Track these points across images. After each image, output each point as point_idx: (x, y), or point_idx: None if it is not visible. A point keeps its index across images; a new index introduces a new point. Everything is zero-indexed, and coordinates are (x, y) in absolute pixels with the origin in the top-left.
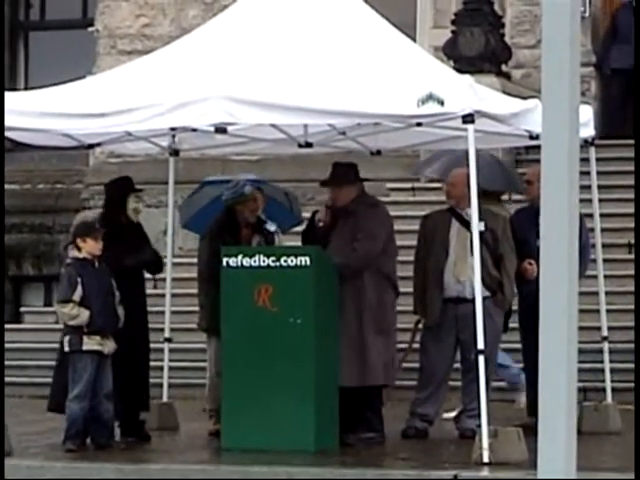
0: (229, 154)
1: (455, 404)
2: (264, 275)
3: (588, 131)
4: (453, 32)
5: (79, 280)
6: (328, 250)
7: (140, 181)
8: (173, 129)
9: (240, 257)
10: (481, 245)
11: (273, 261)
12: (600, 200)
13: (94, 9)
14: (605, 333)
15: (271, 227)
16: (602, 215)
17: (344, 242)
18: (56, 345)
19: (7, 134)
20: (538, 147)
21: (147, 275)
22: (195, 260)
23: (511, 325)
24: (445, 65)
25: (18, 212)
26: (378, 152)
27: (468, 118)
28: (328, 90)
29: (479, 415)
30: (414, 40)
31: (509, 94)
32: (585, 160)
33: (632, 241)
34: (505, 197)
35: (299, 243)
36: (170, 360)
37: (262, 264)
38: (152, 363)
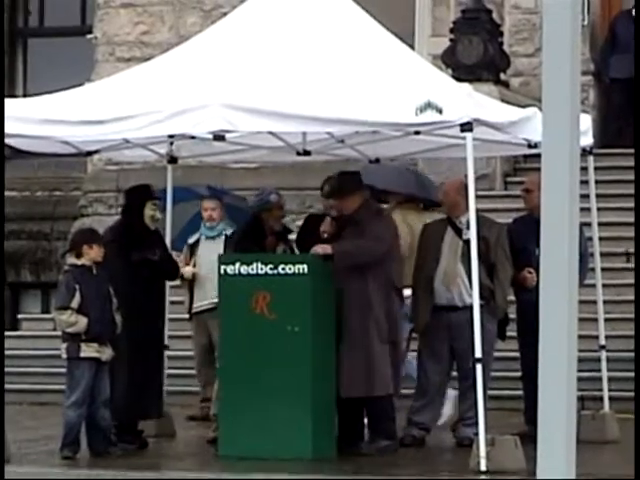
0: (227, 162)
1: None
2: (262, 282)
3: (587, 140)
4: (452, 40)
5: (77, 287)
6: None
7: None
8: (171, 136)
9: (238, 265)
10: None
11: (271, 269)
12: (598, 209)
13: (93, 16)
14: (603, 342)
15: None
16: (600, 224)
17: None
18: (54, 352)
19: (6, 141)
20: (536, 156)
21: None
22: None
23: (509, 334)
24: (443, 73)
25: (16, 219)
26: (377, 160)
27: (466, 126)
28: (326, 98)
29: (476, 423)
30: (413, 48)
31: (507, 102)
32: (584, 169)
33: (630, 250)
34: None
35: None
36: (167, 367)
37: (260, 272)
38: None
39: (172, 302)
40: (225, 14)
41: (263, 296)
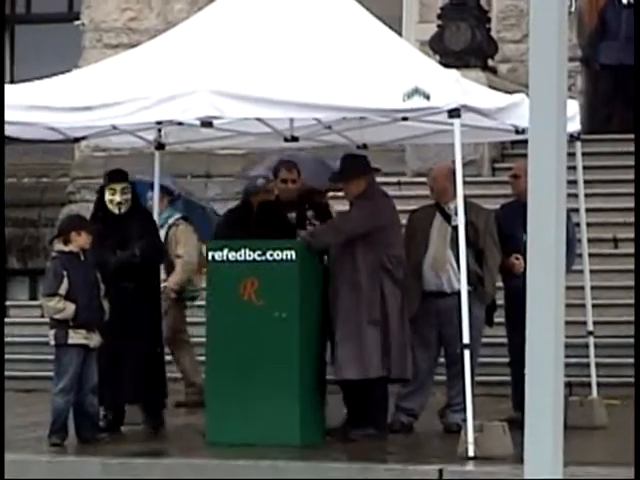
0: (215, 148)
1: (440, 398)
2: (250, 269)
3: (574, 126)
4: (439, 26)
5: (65, 274)
6: None
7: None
8: (159, 123)
9: (226, 251)
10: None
11: (259, 255)
12: (586, 195)
13: (80, 3)
14: (591, 328)
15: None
16: (588, 210)
17: None
18: (42, 339)
19: None
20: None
21: None
22: None
23: (497, 320)
24: (431, 59)
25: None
26: (364, 146)
27: (454, 112)
28: (314, 84)
29: (464, 409)
30: (400, 34)
31: (495, 88)
32: (571, 155)
33: (618, 235)
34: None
35: None
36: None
37: (248, 258)
38: None
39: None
40: (212, 0)
41: (251, 282)
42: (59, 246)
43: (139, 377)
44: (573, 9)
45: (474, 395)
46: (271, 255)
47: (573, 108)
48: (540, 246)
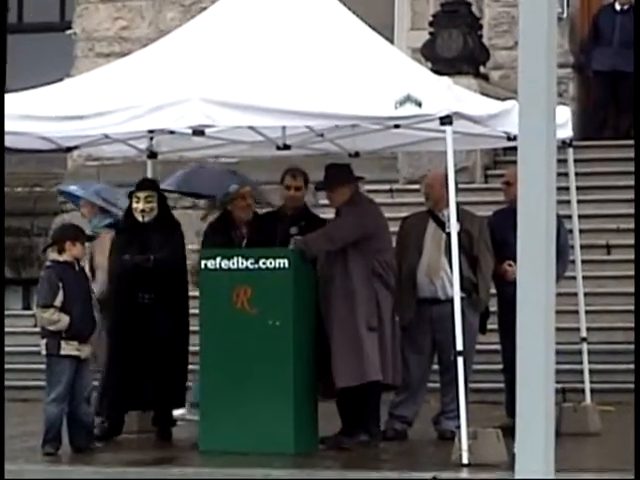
0: (207, 156)
1: (434, 405)
2: (243, 277)
3: (566, 132)
4: (431, 34)
5: (60, 285)
6: None
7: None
8: (151, 131)
9: (219, 259)
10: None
11: (252, 263)
12: (579, 201)
13: (72, 12)
14: (584, 334)
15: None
16: (580, 216)
17: None
18: (35, 348)
19: None
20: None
21: None
22: None
23: (490, 327)
24: (423, 67)
25: None
26: (356, 154)
27: (446, 119)
28: (306, 92)
29: (458, 416)
30: (392, 42)
31: (487, 95)
32: (563, 161)
33: (610, 242)
34: None
35: None
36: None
37: (241, 266)
38: None
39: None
40: (204, 9)
41: (244, 290)
42: (53, 255)
43: (153, 384)
44: (565, 15)
45: (468, 402)
46: (264, 263)
47: (565, 115)
48: (530, 252)
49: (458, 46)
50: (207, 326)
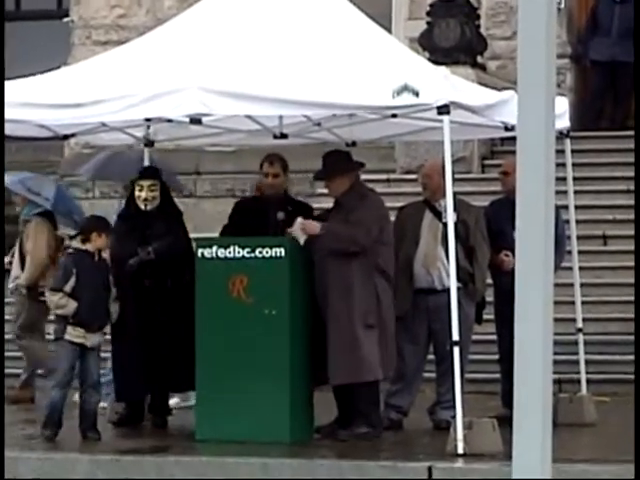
0: (204, 145)
1: (429, 395)
2: (239, 266)
3: (563, 123)
4: (428, 23)
5: (74, 271)
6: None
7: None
8: (148, 120)
9: (215, 248)
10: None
11: (248, 252)
12: (575, 192)
13: (69, 0)
14: (580, 325)
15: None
16: (577, 207)
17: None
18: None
19: None
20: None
21: None
22: None
23: (486, 317)
24: (420, 56)
25: None
26: (353, 143)
27: (443, 109)
28: (303, 81)
29: (454, 406)
30: (389, 31)
31: (484, 85)
32: (560, 152)
33: (607, 233)
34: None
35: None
36: None
37: (237, 255)
38: None
39: None
40: None
41: (240, 279)
42: (77, 243)
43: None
44: (563, 6)
45: (464, 392)
46: (260, 252)
47: (562, 105)
48: (529, 243)
49: (456, 36)
50: (203, 315)
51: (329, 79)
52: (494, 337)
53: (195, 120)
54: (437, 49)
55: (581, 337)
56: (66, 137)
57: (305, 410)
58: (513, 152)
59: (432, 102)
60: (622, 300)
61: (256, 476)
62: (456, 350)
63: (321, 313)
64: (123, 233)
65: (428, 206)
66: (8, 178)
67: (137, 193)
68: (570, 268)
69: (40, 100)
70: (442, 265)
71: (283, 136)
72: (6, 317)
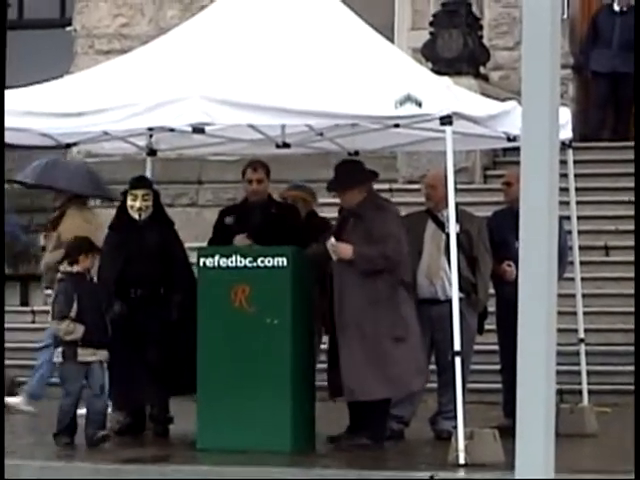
0: (207, 154)
1: (431, 405)
2: (241, 275)
3: (566, 133)
4: (431, 34)
5: (75, 296)
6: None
7: (117, 181)
8: (150, 129)
9: (217, 257)
10: (456, 247)
11: (250, 261)
12: (578, 202)
13: (72, 9)
14: (582, 335)
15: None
16: (579, 217)
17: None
18: (33, 345)
19: None
20: (516, 149)
21: None
22: None
23: (488, 327)
24: (423, 66)
25: None
26: (356, 153)
27: (446, 119)
28: (306, 91)
29: (455, 416)
30: (392, 41)
31: (487, 96)
32: (563, 162)
33: (609, 243)
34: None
35: None
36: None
37: (239, 264)
38: None
39: None
40: (204, 7)
41: (242, 289)
42: (65, 267)
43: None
44: (565, 17)
45: (465, 402)
46: (262, 261)
47: (565, 116)
48: (532, 253)
49: (458, 46)
50: (205, 324)
51: (332, 89)
52: (495, 347)
53: (198, 129)
54: (440, 59)
55: (583, 348)
56: (69, 146)
57: (306, 419)
58: (515, 163)
59: (435, 112)
60: (624, 311)
61: None
62: (457, 360)
63: (336, 327)
64: (117, 245)
65: (430, 216)
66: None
67: (130, 203)
68: (572, 279)
69: (43, 109)
70: (445, 275)
71: (286, 145)
72: None
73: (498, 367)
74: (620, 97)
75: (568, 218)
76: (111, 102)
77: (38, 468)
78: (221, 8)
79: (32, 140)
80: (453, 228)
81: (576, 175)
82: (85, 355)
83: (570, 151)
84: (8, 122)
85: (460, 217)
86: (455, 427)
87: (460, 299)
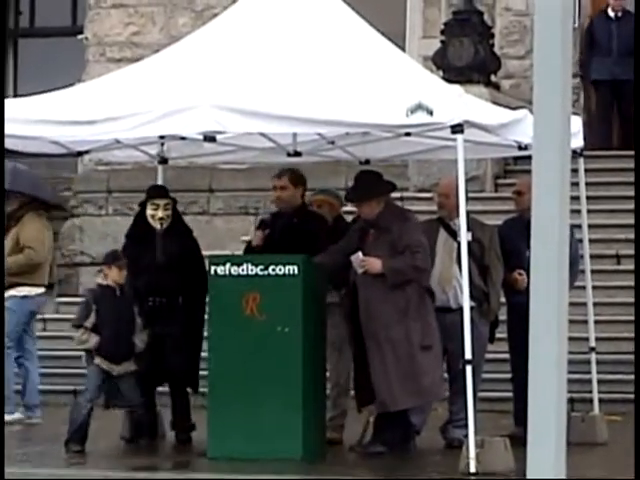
0: (218, 163)
1: (442, 414)
2: (252, 283)
3: (577, 142)
4: (442, 42)
5: (94, 307)
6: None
7: (128, 189)
8: (162, 137)
9: (228, 265)
10: (468, 255)
11: (261, 270)
12: (589, 211)
13: (84, 17)
14: (593, 344)
15: None
16: (590, 226)
17: (383, 256)
18: (43, 353)
19: None
20: (527, 158)
21: None
22: None
23: (499, 335)
24: (434, 75)
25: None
26: (367, 161)
27: (457, 128)
28: (317, 99)
29: (466, 425)
30: (403, 50)
31: (498, 104)
32: (574, 171)
33: (620, 252)
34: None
35: None
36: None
37: (250, 273)
38: None
39: None
40: (216, 15)
41: (253, 297)
42: (99, 279)
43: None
44: (576, 25)
45: (476, 411)
46: (273, 270)
47: (576, 124)
48: (543, 262)
49: (469, 55)
50: (216, 332)
51: (343, 97)
52: (506, 356)
53: (209, 137)
54: (451, 68)
55: (594, 356)
56: (80, 154)
57: (317, 427)
58: (526, 171)
59: (446, 121)
60: (634, 319)
61: None
62: (468, 369)
63: (365, 337)
64: (136, 255)
65: (442, 224)
66: None
67: (151, 212)
68: (583, 287)
69: (54, 117)
70: (457, 284)
71: (297, 154)
72: None
73: (509, 375)
74: (624, 105)
75: (579, 226)
76: (122, 110)
77: (48, 476)
78: (232, 16)
79: (43, 148)
80: (464, 236)
81: (587, 183)
82: (102, 363)
83: (581, 160)
84: (19, 130)
85: (471, 225)
86: (466, 435)
87: (472, 307)
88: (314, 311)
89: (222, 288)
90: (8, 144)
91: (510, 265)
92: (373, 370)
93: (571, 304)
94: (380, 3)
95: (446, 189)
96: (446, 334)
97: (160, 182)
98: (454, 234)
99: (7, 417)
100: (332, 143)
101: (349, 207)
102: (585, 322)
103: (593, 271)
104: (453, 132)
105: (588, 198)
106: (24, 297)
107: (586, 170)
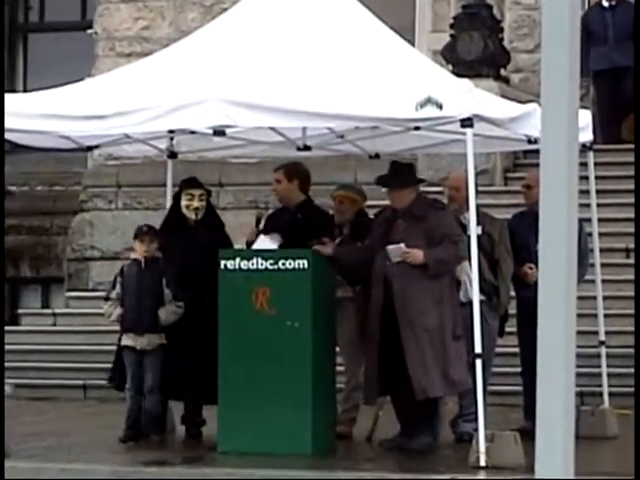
0: (227, 157)
1: (452, 408)
2: (262, 278)
3: (586, 136)
4: (452, 36)
5: (119, 280)
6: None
7: (138, 183)
8: (171, 131)
9: (238, 260)
10: (478, 249)
11: (271, 264)
12: (598, 205)
13: (93, 11)
14: (602, 337)
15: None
16: (600, 220)
17: (420, 246)
18: (53, 347)
19: (6, 136)
20: (536, 151)
21: None
22: None
23: (508, 329)
24: (444, 69)
25: (16, 214)
26: (376, 155)
27: (467, 122)
28: (327, 93)
29: (476, 419)
30: (413, 44)
31: (508, 98)
32: (583, 165)
33: (630, 246)
34: None
35: None
36: None
37: (260, 267)
38: None
39: None
40: (225, 10)
41: (263, 291)
42: (132, 253)
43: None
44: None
45: (486, 405)
46: (283, 264)
47: (586, 118)
48: (552, 256)
49: (479, 49)
50: (226, 327)
51: (352, 91)
52: (516, 350)
53: (218, 132)
54: (460, 62)
55: (603, 350)
56: (89, 148)
57: (327, 422)
58: (536, 165)
59: (455, 115)
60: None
61: None
62: (478, 362)
63: (400, 325)
64: (170, 246)
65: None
66: None
67: (186, 202)
68: (593, 281)
69: (64, 111)
70: (468, 278)
71: (306, 148)
72: None
73: (519, 370)
74: (626, 93)
75: (589, 220)
76: (132, 105)
77: (58, 470)
78: (242, 11)
79: (52, 143)
80: (474, 230)
81: (597, 177)
82: (126, 340)
83: (591, 153)
84: (29, 124)
85: (481, 219)
86: (476, 429)
87: (481, 301)
88: (324, 305)
89: (232, 282)
90: (18, 139)
91: (520, 259)
92: (410, 358)
93: (581, 298)
94: None
95: (456, 183)
96: None
97: (170, 176)
98: (464, 228)
99: None
100: (342, 137)
101: (370, 202)
102: (595, 316)
103: (603, 265)
104: (463, 126)
105: (598, 192)
106: None
107: (596, 164)
